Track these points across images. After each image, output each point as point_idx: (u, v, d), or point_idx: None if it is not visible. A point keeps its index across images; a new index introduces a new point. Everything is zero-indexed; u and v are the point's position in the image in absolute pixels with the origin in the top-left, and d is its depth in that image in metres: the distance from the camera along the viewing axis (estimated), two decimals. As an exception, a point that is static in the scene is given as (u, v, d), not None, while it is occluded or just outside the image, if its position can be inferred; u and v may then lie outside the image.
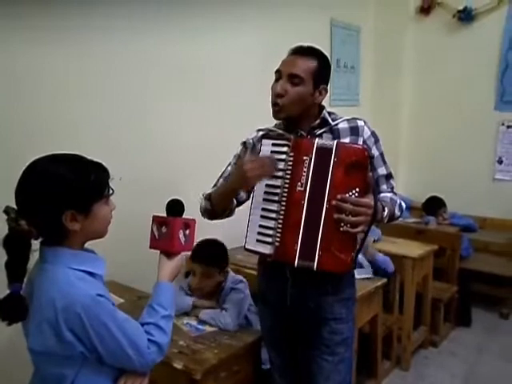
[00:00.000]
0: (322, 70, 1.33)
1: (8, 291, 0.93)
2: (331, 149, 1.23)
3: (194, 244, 1.19)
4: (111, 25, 2.00)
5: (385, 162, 1.43)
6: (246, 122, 2.69)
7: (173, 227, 1.09)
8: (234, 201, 1.42)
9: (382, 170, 1.42)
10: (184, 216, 1.14)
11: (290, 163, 1.28)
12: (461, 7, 3.56)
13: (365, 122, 1.39)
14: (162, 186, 2.22)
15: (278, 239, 1.28)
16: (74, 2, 1.85)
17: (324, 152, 1.24)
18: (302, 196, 1.25)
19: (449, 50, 3.73)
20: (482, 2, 3.50)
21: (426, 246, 2.68)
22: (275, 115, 1.35)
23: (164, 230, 1.10)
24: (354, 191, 1.21)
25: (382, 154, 1.42)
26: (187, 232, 1.12)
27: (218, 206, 1.39)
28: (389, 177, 1.44)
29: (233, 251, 2.50)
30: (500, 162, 3.62)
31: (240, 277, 1.87)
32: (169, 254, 1.11)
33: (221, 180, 1.50)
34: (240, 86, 2.67)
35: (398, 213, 1.41)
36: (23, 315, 0.93)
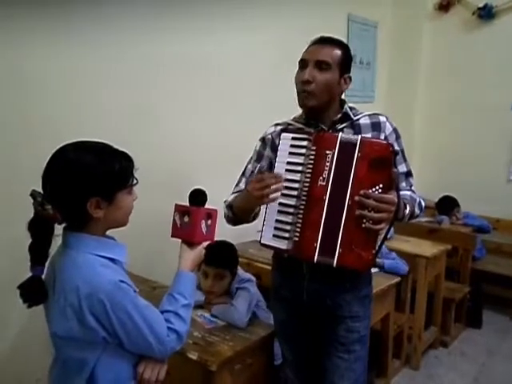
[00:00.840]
0: (346, 59, 1.32)
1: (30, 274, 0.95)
2: (355, 143, 1.21)
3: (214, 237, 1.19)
4: (118, 25, 1.99)
5: (405, 160, 1.41)
6: (259, 118, 2.67)
7: (195, 217, 1.09)
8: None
9: (402, 168, 1.40)
10: (206, 206, 1.14)
11: (312, 157, 1.25)
12: (481, 4, 3.51)
13: (387, 118, 1.37)
14: (177, 178, 2.23)
15: (297, 234, 1.26)
16: (80, 3, 1.84)
17: (348, 146, 1.22)
18: (324, 191, 1.23)
19: (467, 48, 3.67)
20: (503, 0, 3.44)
21: (439, 246, 2.66)
22: (303, 102, 1.31)
23: (186, 219, 1.10)
24: (377, 187, 1.18)
25: (402, 151, 1.40)
26: (209, 222, 1.12)
27: (242, 216, 1.38)
28: (408, 174, 1.42)
29: (245, 245, 2.51)
30: (516, 163, 3.57)
31: (248, 275, 1.86)
32: (190, 243, 1.11)
33: (243, 179, 1.48)
34: (254, 81, 2.65)
35: (417, 211, 1.39)
36: (43, 298, 0.96)
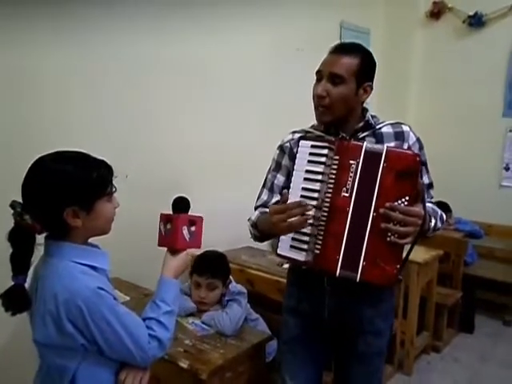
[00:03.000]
0: (366, 67, 1.26)
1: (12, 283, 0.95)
2: (381, 153, 1.16)
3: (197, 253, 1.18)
4: (115, 25, 1.99)
5: (428, 171, 1.37)
6: (253, 123, 2.72)
7: (176, 223, 1.09)
8: None
9: (425, 179, 1.34)
10: (191, 213, 1.14)
11: (335, 167, 1.20)
12: (471, 12, 3.56)
13: (410, 128, 1.32)
14: (169, 185, 2.22)
15: (318, 246, 1.20)
16: (77, 3, 1.85)
17: (373, 157, 1.17)
18: (347, 202, 1.17)
19: (458, 56, 3.72)
20: (493, 8, 3.48)
21: (431, 251, 2.66)
22: (320, 118, 1.29)
23: (169, 226, 1.11)
24: (403, 199, 1.13)
25: (425, 162, 1.35)
26: (192, 229, 1.11)
27: (268, 236, 1.36)
28: (430, 186, 1.38)
29: (237, 252, 2.51)
30: (507, 168, 3.61)
31: (239, 287, 1.85)
32: (174, 250, 1.11)
33: (264, 190, 1.44)
34: (247, 87, 2.67)
35: (439, 224, 1.32)
36: (25, 306, 0.96)
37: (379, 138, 1.29)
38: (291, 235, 1.24)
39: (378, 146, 1.19)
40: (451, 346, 2.96)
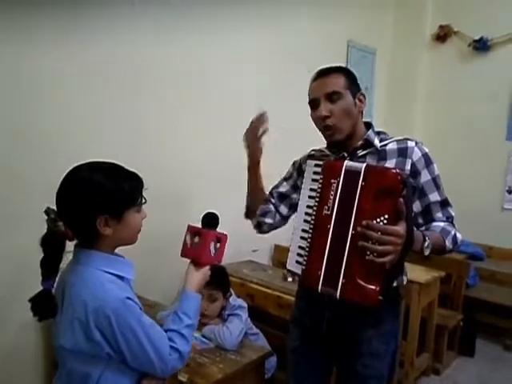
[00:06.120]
0: (351, 79, 1.31)
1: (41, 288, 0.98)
2: (359, 172, 1.17)
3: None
4: (115, 25, 2.00)
5: (438, 188, 1.31)
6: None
7: (205, 238, 1.14)
8: (272, 208, 1.46)
9: (434, 197, 1.30)
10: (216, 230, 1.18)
11: (320, 185, 1.25)
12: (477, 37, 3.61)
13: (416, 143, 1.29)
14: (171, 198, 2.24)
15: (304, 262, 1.25)
16: (76, 3, 1.86)
17: (352, 175, 1.18)
18: (328, 220, 1.21)
19: (462, 79, 3.76)
20: (498, 33, 3.54)
21: (432, 272, 2.66)
22: (330, 139, 1.31)
23: (197, 240, 1.15)
24: (382, 218, 1.11)
25: (434, 179, 1.30)
26: (218, 245, 1.17)
27: (253, 193, 1.45)
28: (444, 204, 1.32)
29: (239, 265, 2.51)
30: (510, 191, 3.61)
31: (239, 301, 1.85)
32: (197, 264, 1.15)
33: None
34: (253, 101, 2.69)
35: (449, 245, 1.27)
36: (53, 312, 0.98)
37: (383, 155, 1.29)
38: (297, 250, 1.27)
39: (357, 165, 1.20)
40: (451, 369, 2.92)
